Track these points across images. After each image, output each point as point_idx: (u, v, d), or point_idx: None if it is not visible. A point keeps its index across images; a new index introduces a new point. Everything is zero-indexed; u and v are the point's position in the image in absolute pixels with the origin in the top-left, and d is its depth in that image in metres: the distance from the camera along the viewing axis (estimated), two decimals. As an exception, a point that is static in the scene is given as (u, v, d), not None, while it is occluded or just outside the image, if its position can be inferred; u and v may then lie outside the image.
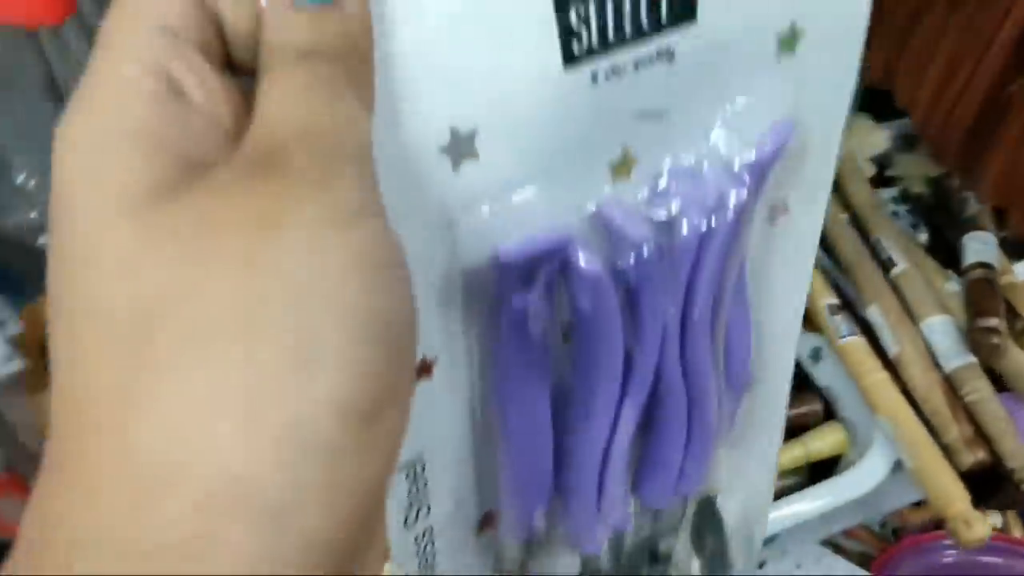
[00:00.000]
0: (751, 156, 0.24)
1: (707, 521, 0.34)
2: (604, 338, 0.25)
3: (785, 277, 0.30)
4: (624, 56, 0.22)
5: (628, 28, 0.22)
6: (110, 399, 0.15)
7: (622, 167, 0.24)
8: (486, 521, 0.30)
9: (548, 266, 0.23)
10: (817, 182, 0.29)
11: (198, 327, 0.14)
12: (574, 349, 0.25)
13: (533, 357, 0.25)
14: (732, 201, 0.24)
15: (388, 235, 0.16)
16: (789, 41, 0.24)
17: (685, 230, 0.24)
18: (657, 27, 0.22)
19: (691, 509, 0.33)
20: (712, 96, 0.24)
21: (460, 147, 0.21)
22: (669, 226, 0.24)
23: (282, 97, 0.16)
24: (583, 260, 0.23)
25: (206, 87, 0.17)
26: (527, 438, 0.26)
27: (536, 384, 0.25)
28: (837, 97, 0.27)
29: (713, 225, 0.24)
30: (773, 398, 0.33)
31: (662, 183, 0.24)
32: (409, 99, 0.19)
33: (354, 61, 0.17)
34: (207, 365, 0.14)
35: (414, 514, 0.27)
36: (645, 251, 0.23)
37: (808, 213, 0.29)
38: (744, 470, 0.34)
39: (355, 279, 0.15)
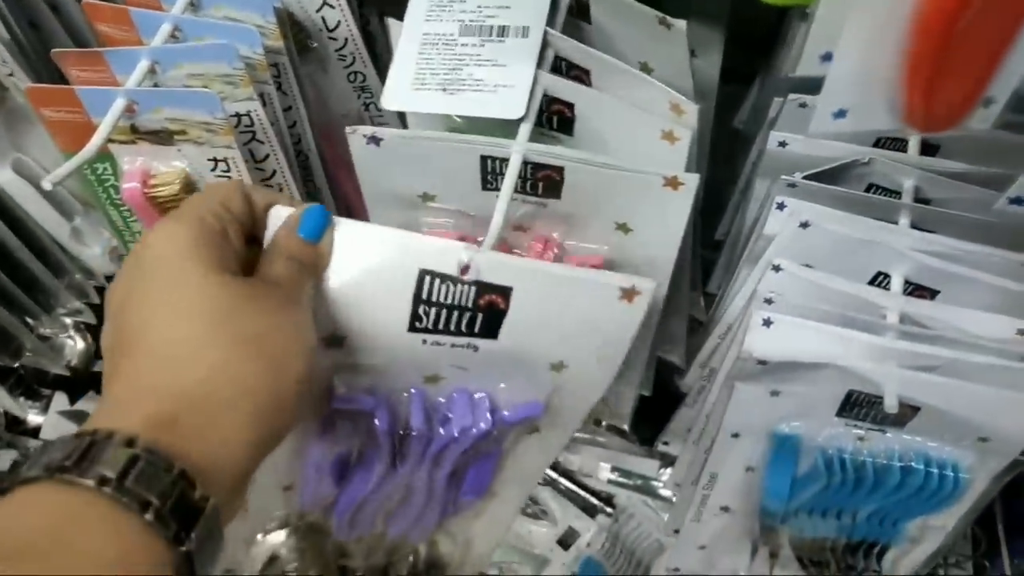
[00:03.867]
0: (504, 413, 0.44)
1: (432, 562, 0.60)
2: (380, 452, 0.46)
3: (529, 458, 0.50)
4: (445, 339, 0.40)
5: (452, 329, 0.40)
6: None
7: (431, 379, 0.44)
8: (288, 487, 0.51)
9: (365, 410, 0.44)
10: (564, 427, 0.47)
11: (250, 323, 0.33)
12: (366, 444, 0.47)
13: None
14: (476, 428, 0.44)
15: (310, 324, 0.37)
16: (558, 367, 0.42)
17: (443, 429, 0.44)
18: (470, 335, 0.40)
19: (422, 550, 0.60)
20: (499, 372, 0.43)
21: (333, 342, 0.41)
22: (440, 418, 0.45)
23: (279, 267, 0.37)
24: (378, 419, 0.44)
25: (235, 235, 0.36)
26: (324, 463, 0.48)
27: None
28: (583, 402, 0.44)
29: (456, 434, 0.44)
30: (504, 510, 0.54)
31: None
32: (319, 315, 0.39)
33: (314, 267, 0.38)
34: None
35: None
36: (414, 429, 0.44)
37: (552, 437, 0.48)
38: (475, 539, 0.58)
39: (301, 333, 0.36)
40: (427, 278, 0.39)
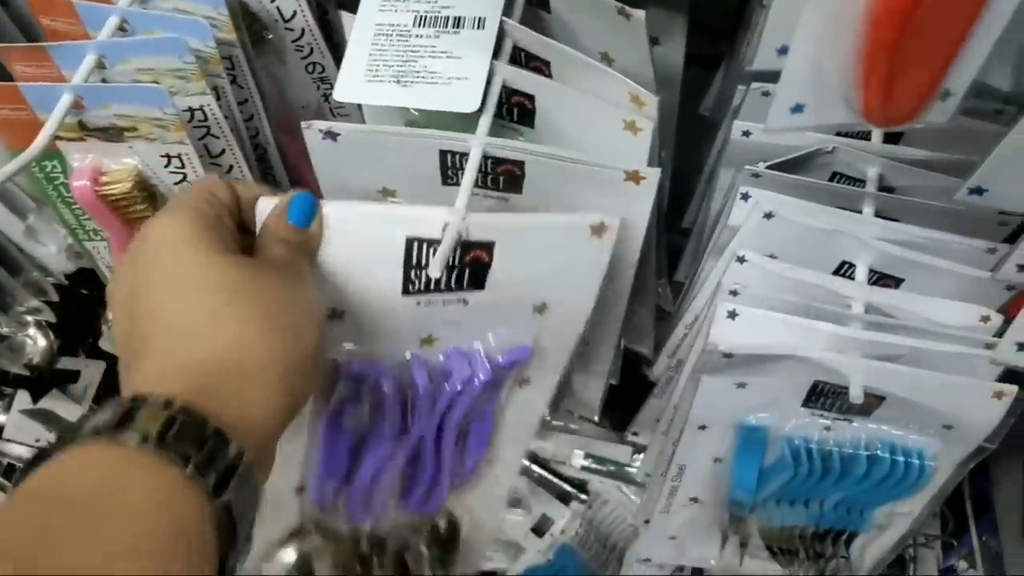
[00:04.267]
0: (498, 359, 0.45)
1: (451, 533, 0.57)
2: (388, 416, 0.46)
3: (521, 414, 0.50)
4: (437, 297, 0.42)
5: (442, 286, 0.41)
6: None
7: (427, 341, 0.45)
8: (300, 488, 0.51)
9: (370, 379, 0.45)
10: (551, 371, 0.48)
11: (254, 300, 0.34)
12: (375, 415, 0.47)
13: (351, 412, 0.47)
14: (476, 379, 0.45)
15: (316, 295, 0.38)
16: (541, 309, 0.44)
17: (448, 385, 0.45)
18: (460, 289, 0.42)
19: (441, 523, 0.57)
20: (488, 322, 0.44)
21: (334, 316, 0.42)
22: (441, 377, 0.45)
23: (275, 250, 0.37)
24: (384, 384, 0.45)
25: (229, 222, 0.38)
26: (335, 450, 0.48)
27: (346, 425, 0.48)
28: (567, 339, 0.46)
29: (459, 387, 0.45)
30: (504, 474, 0.54)
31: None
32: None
33: (307, 248, 0.39)
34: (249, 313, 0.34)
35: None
36: (420, 388, 0.45)
37: (542, 386, 0.49)
38: (478, 508, 0.56)
39: (309, 304, 0.37)
40: (414, 244, 0.40)
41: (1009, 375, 0.41)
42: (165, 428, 0.29)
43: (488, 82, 0.43)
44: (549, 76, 0.45)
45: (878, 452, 0.42)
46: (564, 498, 0.90)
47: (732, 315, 0.40)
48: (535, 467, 0.89)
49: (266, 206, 0.39)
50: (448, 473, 0.50)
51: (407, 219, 0.40)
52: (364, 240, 0.40)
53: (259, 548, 0.54)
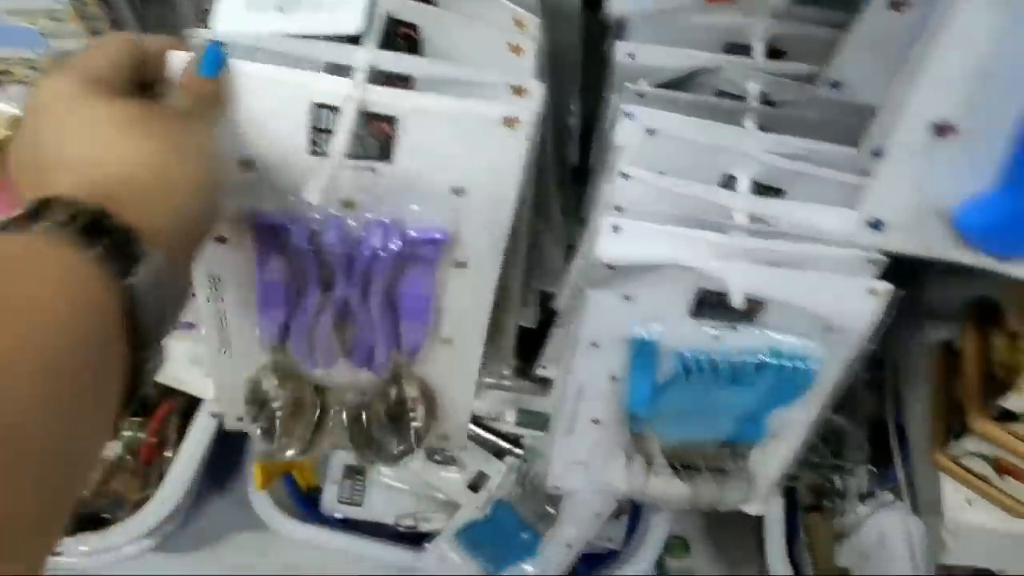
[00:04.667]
0: (411, 233, 0.46)
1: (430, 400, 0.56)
2: (307, 268, 0.48)
3: (466, 299, 0.50)
4: (346, 162, 0.43)
5: (348, 153, 0.43)
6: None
7: (348, 204, 0.46)
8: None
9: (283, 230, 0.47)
10: (488, 254, 0.48)
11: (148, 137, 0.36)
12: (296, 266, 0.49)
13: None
14: (387, 248, 0.46)
15: (217, 137, 0.41)
16: (459, 191, 0.45)
17: (359, 250, 0.46)
18: (366, 158, 0.43)
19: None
20: (408, 197, 0.45)
21: (246, 166, 0.44)
22: (356, 242, 0.46)
23: (182, 101, 0.40)
24: (294, 235, 0.46)
25: (127, 74, 0.39)
26: (270, 295, 0.50)
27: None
28: (496, 225, 0.46)
29: (368, 253, 0.46)
30: (466, 353, 0.53)
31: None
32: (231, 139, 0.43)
33: (216, 99, 0.41)
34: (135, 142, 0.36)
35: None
36: (332, 246, 0.46)
37: (481, 268, 0.49)
38: (446, 383, 0.56)
39: (209, 140, 0.39)
40: (318, 109, 0.42)
41: (887, 275, 0.42)
42: (71, 218, 0.30)
43: (372, 14, 0.43)
44: (434, 4, 0.45)
45: (764, 358, 0.44)
46: (499, 454, 0.91)
47: (616, 229, 0.41)
48: (470, 425, 0.90)
49: (178, 60, 0.40)
50: (385, 337, 0.51)
51: (311, 86, 0.42)
52: (270, 101, 0.42)
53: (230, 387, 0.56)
